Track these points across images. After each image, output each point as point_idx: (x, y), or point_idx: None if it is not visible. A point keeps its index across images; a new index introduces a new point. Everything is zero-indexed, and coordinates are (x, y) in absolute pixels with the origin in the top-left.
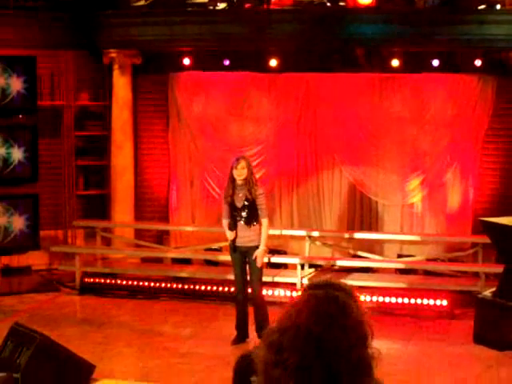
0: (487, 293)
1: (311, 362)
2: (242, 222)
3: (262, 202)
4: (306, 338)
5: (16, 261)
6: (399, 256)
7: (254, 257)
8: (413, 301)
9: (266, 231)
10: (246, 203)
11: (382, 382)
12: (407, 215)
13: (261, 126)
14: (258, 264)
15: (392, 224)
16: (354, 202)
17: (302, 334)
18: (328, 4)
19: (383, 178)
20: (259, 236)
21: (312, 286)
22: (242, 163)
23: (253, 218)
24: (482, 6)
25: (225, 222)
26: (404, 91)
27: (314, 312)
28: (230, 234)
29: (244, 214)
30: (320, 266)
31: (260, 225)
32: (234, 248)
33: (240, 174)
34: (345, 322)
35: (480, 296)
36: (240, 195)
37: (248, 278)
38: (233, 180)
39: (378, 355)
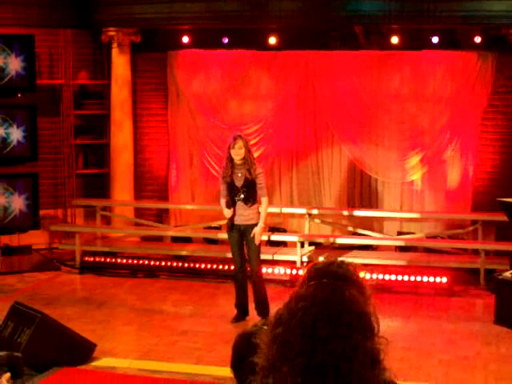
0: (508, 273)
1: (319, 362)
2: (241, 202)
3: (261, 181)
4: (313, 338)
5: (16, 240)
6: (399, 233)
7: (252, 235)
8: (412, 278)
9: (265, 210)
10: (245, 183)
11: (390, 370)
12: (407, 192)
13: (260, 103)
14: (256, 241)
15: (392, 201)
16: (353, 179)
17: (308, 335)
18: None
19: (383, 155)
20: (258, 215)
21: (318, 275)
22: (240, 143)
23: (252, 197)
24: None
25: (222, 201)
26: (403, 68)
27: (320, 311)
28: (227, 212)
29: (243, 193)
30: (320, 243)
31: (259, 204)
32: (231, 226)
33: (237, 153)
34: (351, 320)
35: (500, 277)
36: (239, 175)
37: (246, 256)
38: (231, 159)
39: (386, 345)
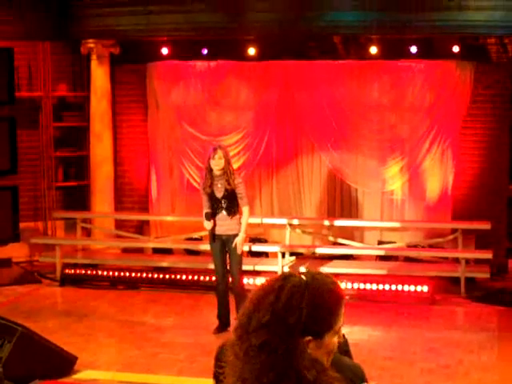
0: None
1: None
2: (223, 212)
3: (241, 190)
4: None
5: None
6: (379, 243)
7: (233, 244)
8: (393, 287)
9: (246, 219)
10: (225, 193)
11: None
12: (387, 202)
13: (240, 114)
14: (238, 251)
15: (372, 211)
16: (333, 189)
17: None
18: None
19: (362, 165)
20: (239, 225)
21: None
22: (219, 153)
23: (233, 207)
24: None
25: (204, 212)
26: (382, 78)
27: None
28: (207, 224)
29: (224, 203)
30: (301, 253)
31: (240, 214)
32: (213, 237)
33: (217, 164)
34: (273, 305)
35: None
36: (219, 185)
37: (228, 266)
38: (210, 170)
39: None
